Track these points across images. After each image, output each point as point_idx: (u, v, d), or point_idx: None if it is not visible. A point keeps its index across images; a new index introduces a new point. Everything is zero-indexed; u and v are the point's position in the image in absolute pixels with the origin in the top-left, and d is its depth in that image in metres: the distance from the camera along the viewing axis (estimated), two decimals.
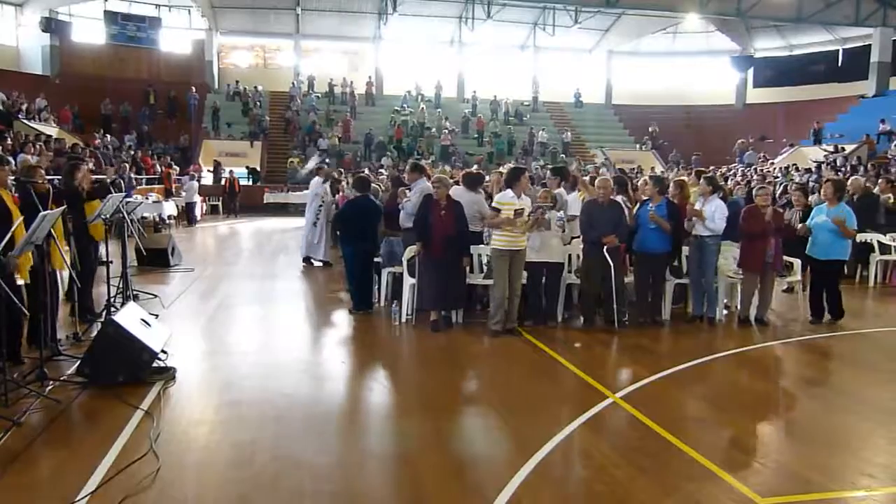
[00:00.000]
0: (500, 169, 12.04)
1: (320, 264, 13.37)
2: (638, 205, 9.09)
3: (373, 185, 10.77)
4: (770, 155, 31.94)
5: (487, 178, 10.97)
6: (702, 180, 9.17)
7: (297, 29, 36.12)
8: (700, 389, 6.62)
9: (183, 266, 12.82)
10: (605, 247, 8.24)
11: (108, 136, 28.32)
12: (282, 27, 35.98)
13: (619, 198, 8.93)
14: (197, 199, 23.56)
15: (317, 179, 13.90)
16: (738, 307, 9.10)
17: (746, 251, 8.75)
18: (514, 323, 8.19)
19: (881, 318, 10.15)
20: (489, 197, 9.46)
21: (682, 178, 10.91)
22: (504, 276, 8.05)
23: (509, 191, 8.12)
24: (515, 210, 7.87)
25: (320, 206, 13.30)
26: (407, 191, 9.49)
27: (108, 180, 9.27)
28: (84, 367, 6.02)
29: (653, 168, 29.23)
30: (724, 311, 9.26)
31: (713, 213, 8.57)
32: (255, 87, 34.85)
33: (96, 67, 33.10)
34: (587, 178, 10.31)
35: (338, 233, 10.38)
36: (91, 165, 10.74)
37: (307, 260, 13.59)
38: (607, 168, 27.57)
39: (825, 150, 28.69)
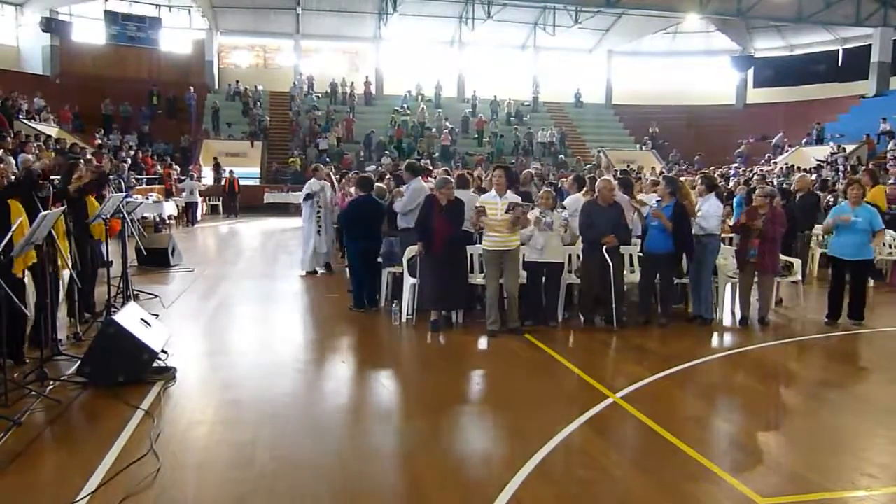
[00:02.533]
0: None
1: (323, 271, 12.37)
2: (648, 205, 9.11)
3: (379, 185, 10.79)
4: (762, 156, 32.03)
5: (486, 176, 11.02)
6: (698, 179, 9.22)
7: (298, 29, 36.10)
8: (700, 389, 6.62)
9: (183, 266, 12.82)
10: (604, 247, 8.25)
11: (109, 136, 28.33)
12: (282, 27, 35.96)
13: (625, 197, 9.03)
14: (196, 198, 23.57)
15: (313, 180, 12.37)
16: (739, 307, 9.11)
17: (738, 250, 9.00)
18: (515, 322, 8.17)
19: (882, 317, 10.13)
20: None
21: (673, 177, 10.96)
22: (494, 275, 8.06)
23: (492, 191, 8.21)
24: (476, 206, 8.00)
25: (318, 211, 12.09)
26: (402, 190, 9.53)
27: (105, 170, 9.24)
28: (84, 367, 6.03)
29: (653, 168, 29.23)
30: (722, 312, 9.26)
31: (707, 212, 8.58)
32: (256, 87, 34.86)
33: (96, 67, 33.08)
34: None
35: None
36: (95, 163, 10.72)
37: (313, 272, 12.30)
38: (608, 168, 27.54)
39: (832, 150, 28.69)
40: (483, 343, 7.89)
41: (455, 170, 19.31)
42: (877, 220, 8.80)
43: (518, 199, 8.13)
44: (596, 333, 8.33)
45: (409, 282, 8.66)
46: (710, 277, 8.77)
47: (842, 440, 5.29)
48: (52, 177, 8.38)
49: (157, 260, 12.50)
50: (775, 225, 8.65)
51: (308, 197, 12.20)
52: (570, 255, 8.91)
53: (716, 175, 20.82)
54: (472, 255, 8.75)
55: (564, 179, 13.29)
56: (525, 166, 23.77)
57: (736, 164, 30.73)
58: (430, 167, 14.84)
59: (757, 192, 9.11)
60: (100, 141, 26.82)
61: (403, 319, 8.63)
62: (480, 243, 8.96)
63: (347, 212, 9.73)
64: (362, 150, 31.48)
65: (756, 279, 8.82)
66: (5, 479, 4.34)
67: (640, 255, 9.00)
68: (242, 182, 27.67)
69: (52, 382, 5.95)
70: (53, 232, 5.98)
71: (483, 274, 8.79)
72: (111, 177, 11.10)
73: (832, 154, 27.89)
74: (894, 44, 32.50)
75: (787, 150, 31.68)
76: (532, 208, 8.33)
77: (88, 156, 19.70)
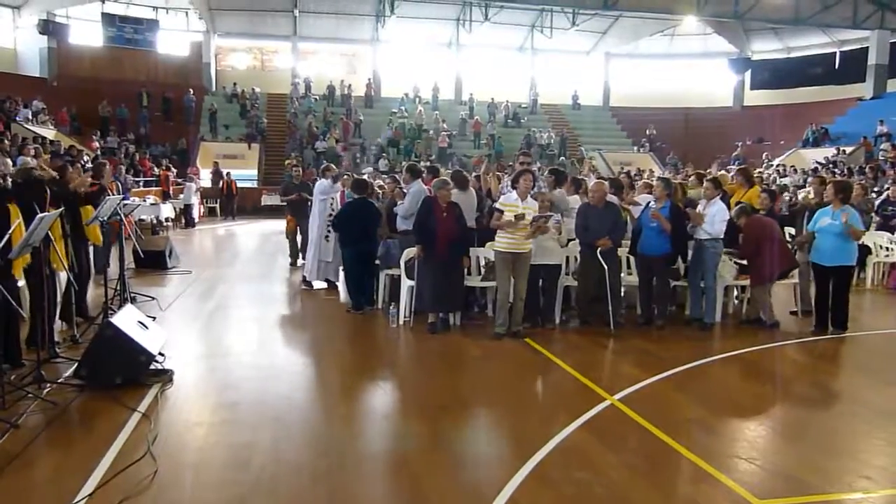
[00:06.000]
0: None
1: (325, 285, 11.15)
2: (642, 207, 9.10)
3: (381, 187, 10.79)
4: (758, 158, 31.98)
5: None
6: (706, 182, 9.13)
7: (295, 31, 36.10)
8: (697, 391, 6.62)
9: (180, 268, 12.81)
10: (599, 249, 8.25)
11: (106, 139, 28.32)
12: (279, 29, 35.97)
13: (614, 199, 9.01)
14: (195, 201, 23.57)
15: (324, 182, 10.87)
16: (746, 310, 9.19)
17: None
18: (519, 326, 8.15)
19: (879, 320, 10.16)
20: (489, 196, 9.47)
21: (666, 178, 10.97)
22: (506, 278, 8.03)
23: (513, 193, 8.11)
24: (516, 215, 7.86)
25: (331, 214, 10.55)
26: (402, 192, 9.52)
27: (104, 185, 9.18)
28: (81, 370, 6.02)
29: (651, 170, 29.24)
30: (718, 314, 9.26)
31: (713, 217, 8.50)
32: (253, 90, 34.81)
33: (94, 70, 33.03)
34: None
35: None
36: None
37: (308, 283, 11.17)
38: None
39: (828, 154, 28.71)
40: (480, 345, 7.88)
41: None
42: (857, 223, 8.34)
43: (535, 206, 8.06)
44: (593, 335, 8.33)
45: (406, 284, 8.66)
46: (712, 281, 8.71)
47: (839, 442, 5.30)
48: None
49: (154, 262, 12.48)
50: (747, 244, 8.65)
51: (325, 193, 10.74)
52: (567, 257, 8.93)
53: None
54: (471, 258, 8.75)
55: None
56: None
57: (733, 167, 30.69)
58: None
59: (735, 211, 8.85)
60: (97, 143, 26.82)
61: (401, 321, 8.63)
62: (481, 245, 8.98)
63: (342, 214, 9.71)
64: (359, 153, 31.47)
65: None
66: (2, 481, 4.33)
67: (629, 256, 9.05)
68: (239, 184, 27.67)
69: (49, 385, 5.93)
70: (50, 234, 5.97)
71: (481, 277, 8.81)
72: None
73: (833, 156, 27.89)
74: (891, 46, 32.54)
75: (785, 153, 31.68)
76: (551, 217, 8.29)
77: (85, 158, 19.71)
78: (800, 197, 17.56)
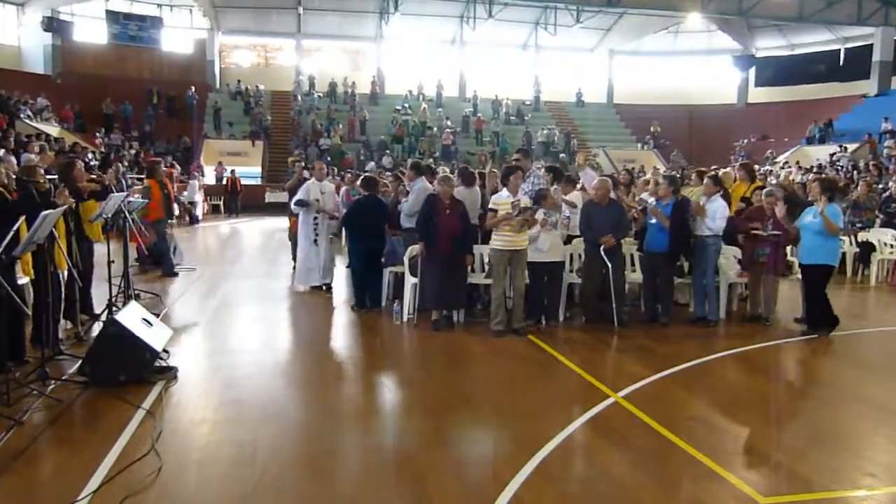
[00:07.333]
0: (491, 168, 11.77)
1: (323, 287, 10.57)
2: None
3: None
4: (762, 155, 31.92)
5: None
6: (706, 179, 9.11)
7: (299, 28, 36.15)
8: (701, 389, 6.61)
9: (184, 265, 12.81)
10: (602, 247, 8.24)
11: (110, 136, 28.37)
12: (283, 26, 36.02)
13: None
14: (198, 198, 23.60)
15: (312, 183, 10.34)
16: (750, 306, 9.16)
17: (744, 250, 8.94)
18: (520, 323, 8.16)
19: (883, 317, 10.14)
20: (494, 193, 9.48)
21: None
22: (502, 275, 8.04)
23: (504, 191, 8.13)
24: (512, 203, 7.86)
25: (315, 217, 10.27)
26: (406, 190, 9.52)
27: (107, 182, 9.14)
28: (86, 367, 6.03)
29: (655, 167, 29.19)
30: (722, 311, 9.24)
31: (714, 213, 8.51)
32: (257, 87, 34.89)
33: (98, 67, 33.11)
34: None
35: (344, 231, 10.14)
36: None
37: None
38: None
39: (832, 151, 28.63)
40: (484, 343, 7.87)
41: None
42: (835, 219, 8.13)
43: (527, 200, 8.08)
44: (597, 333, 8.32)
45: (410, 281, 8.65)
46: (712, 278, 8.71)
47: (843, 440, 5.29)
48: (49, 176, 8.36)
49: (158, 259, 12.47)
50: (789, 229, 8.54)
51: (302, 203, 10.16)
52: (570, 255, 8.92)
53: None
54: (474, 255, 8.75)
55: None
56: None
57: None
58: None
59: (766, 192, 8.83)
60: (100, 140, 26.87)
61: (405, 319, 8.62)
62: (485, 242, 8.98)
63: (351, 211, 9.71)
64: (362, 150, 31.48)
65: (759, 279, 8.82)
66: (7, 478, 4.34)
67: (638, 254, 9.05)
68: (243, 182, 27.71)
69: (53, 382, 5.95)
70: (55, 231, 5.98)
71: (485, 274, 8.80)
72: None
73: (836, 153, 27.82)
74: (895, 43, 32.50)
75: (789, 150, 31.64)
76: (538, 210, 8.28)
77: (89, 156, 19.72)
78: (779, 179, 17.59)
